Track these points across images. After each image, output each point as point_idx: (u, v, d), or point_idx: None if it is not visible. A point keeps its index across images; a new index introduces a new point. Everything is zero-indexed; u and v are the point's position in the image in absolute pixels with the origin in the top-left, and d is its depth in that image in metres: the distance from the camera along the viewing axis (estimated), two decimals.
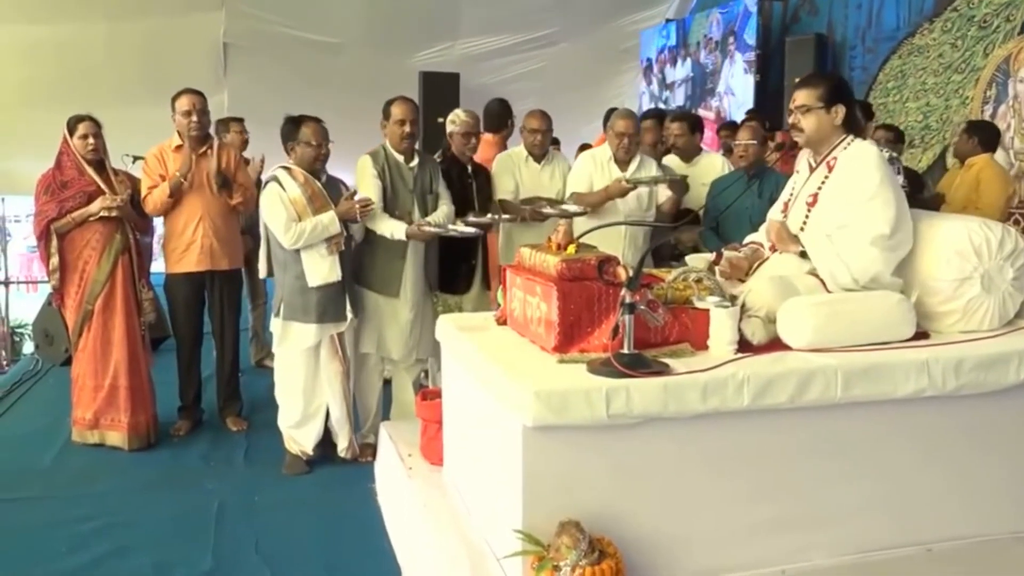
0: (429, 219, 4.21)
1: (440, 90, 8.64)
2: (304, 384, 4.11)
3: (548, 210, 4.52)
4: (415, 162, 4.33)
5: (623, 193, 4.44)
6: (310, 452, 4.21)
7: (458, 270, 4.61)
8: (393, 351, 4.40)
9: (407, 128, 4.24)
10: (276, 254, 4.08)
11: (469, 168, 4.70)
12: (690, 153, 5.30)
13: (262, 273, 4.27)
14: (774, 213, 3.19)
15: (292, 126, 4.05)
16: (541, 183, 4.80)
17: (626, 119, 4.60)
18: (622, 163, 4.62)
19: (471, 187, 4.64)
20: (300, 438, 4.20)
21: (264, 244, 4.15)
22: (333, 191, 4.15)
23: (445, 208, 4.36)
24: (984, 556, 2.67)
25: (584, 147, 8.08)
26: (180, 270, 4.61)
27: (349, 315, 4.09)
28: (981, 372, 2.60)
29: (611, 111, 5.63)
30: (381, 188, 4.23)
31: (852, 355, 2.55)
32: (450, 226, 4.17)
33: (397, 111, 4.25)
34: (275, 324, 4.12)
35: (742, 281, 3.01)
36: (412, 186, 4.30)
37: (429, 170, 4.39)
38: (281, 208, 3.93)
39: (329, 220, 3.96)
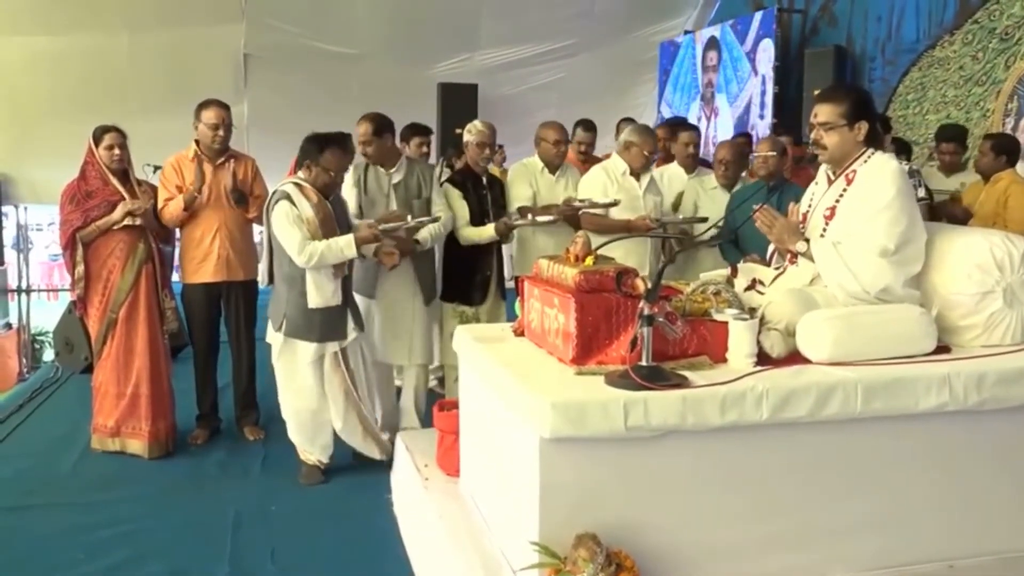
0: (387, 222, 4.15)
1: (458, 101, 8.69)
2: (308, 398, 4.08)
3: (578, 203, 4.60)
4: (395, 168, 4.45)
5: (647, 229, 4.51)
6: (326, 461, 4.21)
7: (473, 281, 4.64)
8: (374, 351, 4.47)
9: (360, 147, 4.42)
10: (283, 269, 3.99)
11: (484, 179, 4.74)
12: (693, 165, 5.33)
13: (263, 282, 4.24)
14: None
15: (315, 148, 3.92)
16: (556, 194, 4.85)
17: (651, 135, 4.80)
18: (638, 175, 4.72)
19: (486, 198, 4.68)
20: (313, 449, 4.20)
21: (266, 254, 4.08)
22: (339, 209, 4.10)
23: (441, 215, 4.42)
24: (1007, 573, 2.64)
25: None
26: (197, 281, 4.64)
27: (352, 333, 4.08)
28: (1003, 387, 2.58)
29: (622, 122, 5.80)
30: (358, 197, 4.39)
31: (872, 369, 2.54)
32: (409, 218, 4.18)
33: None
34: (274, 338, 4.06)
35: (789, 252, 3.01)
36: (387, 191, 4.40)
37: (417, 176, 4.48)
38: (294, 227, 3.83)
39: (346, 243, 3.88)
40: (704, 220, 4.75)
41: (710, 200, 4.96)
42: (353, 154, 4.33)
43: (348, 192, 4.36)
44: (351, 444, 4.20)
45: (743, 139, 6.99)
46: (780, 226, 2.96)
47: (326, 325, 4.00)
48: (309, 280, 3.94)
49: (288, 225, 3.84)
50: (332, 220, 3.97)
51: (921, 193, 4.33)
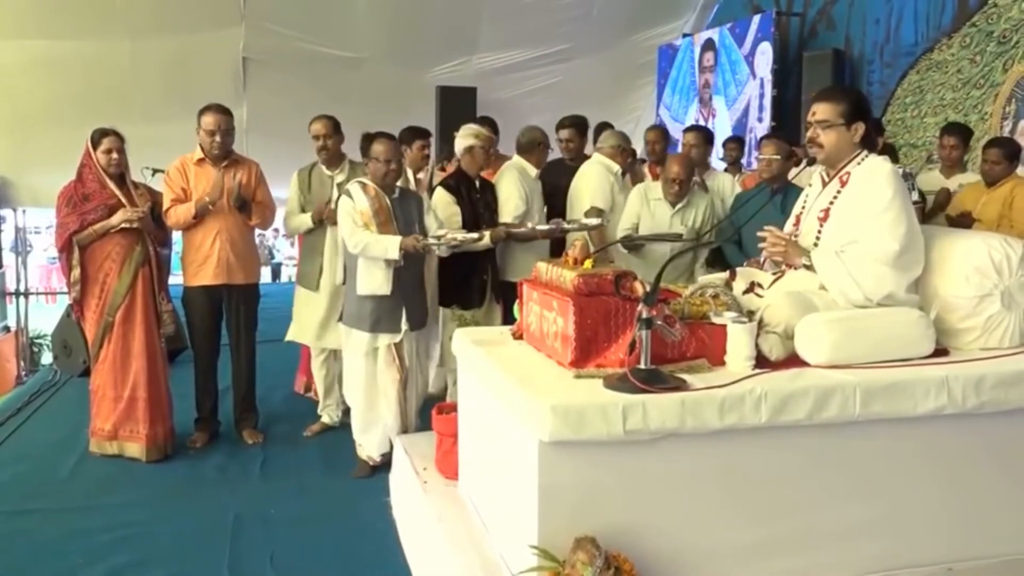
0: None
1: (457, 104, 8.69)
2: (365, 390, 4.21)
3: (566, 225, 4.58)
4: (337, 171, 4.86)
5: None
6: (376, 459, 4.28)
7: (471, 284, 4.65)
8: (306, 338, 4.98)
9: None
10: (348, 263, 4.23)
11: (477, 183, 4.72)
12: (700, 166, 5.33)
13: (337, 280, 4.47)
14: (787, 228, 3.18)
15: (366, 143, 4.19)
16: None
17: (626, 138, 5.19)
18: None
19: (479, 202, 4.67)
20: (366, 443, 4.29)
21: (342, 252, 4.33)
22: (407, 204, 4.23)
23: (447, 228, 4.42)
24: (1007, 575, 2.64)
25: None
26: (197, 283, 4.65)
27: (404, 326, 4.15)
28: (1002, 390, 2.58)
29: (602, 126, 5.97)
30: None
31: (871, 372, 2.54)
32: (447, 234, 4.17)
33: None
34: (340, 328, 4.29)
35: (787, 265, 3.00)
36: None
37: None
38: (349, 219, 4.07)
39: (391, 244, 4.00)
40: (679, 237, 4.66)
41: (649, 214, 4.84)
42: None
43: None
44: (394, 441, 4.21)
45: (734, 143, 6.97)
46: (791, 248, 2.95)
47: (376, 315, 4.11)
48: (360, 266, 4.10)
49: (344, 216, 4.10)
50: (388, 213, 4.12)
51: (915, 197, 4.32)
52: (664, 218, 4.80)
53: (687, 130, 5.65)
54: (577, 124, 5.46)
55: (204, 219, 4.56)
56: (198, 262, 4.62)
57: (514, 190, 4.75)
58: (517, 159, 4.96)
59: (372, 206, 4.09)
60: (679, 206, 4.82)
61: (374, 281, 4.08)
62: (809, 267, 2.89)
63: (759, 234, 3.01)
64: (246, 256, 4.71)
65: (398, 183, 4.27)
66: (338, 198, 4.32)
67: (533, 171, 4.89)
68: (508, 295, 4.35)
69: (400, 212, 4.16)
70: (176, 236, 4.91)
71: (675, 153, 5.57)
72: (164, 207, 4.57)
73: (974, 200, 5.15)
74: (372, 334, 4.13)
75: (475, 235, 4.25)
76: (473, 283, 4.66)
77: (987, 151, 5.20)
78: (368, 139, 4.20)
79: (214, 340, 4.81)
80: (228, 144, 4.62)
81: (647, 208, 4.85)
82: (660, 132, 6.31)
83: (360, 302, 4.12)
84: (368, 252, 4.04)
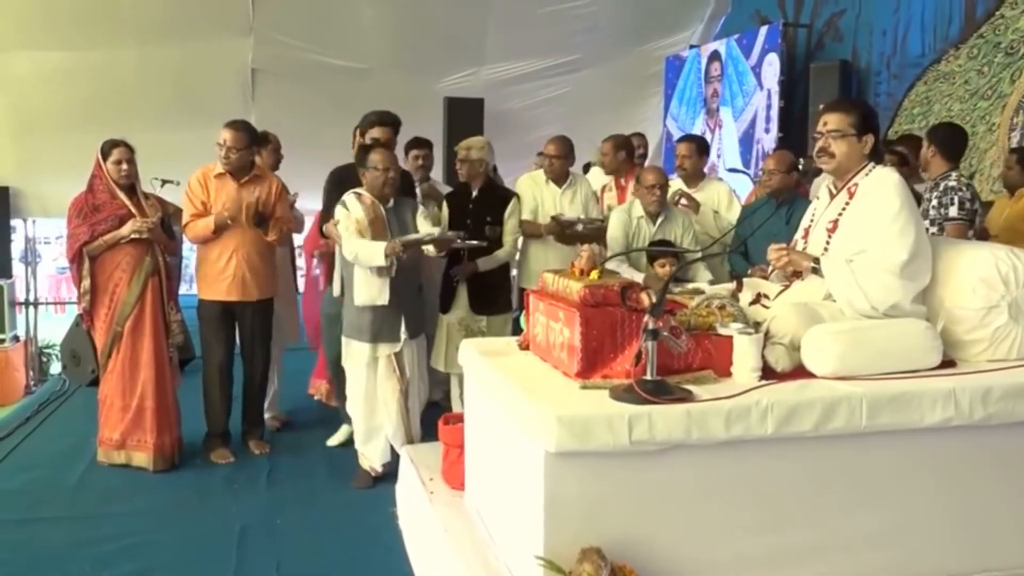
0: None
1: (465, 115, 8.71)
2: (365, 400, 4.22)
3: (569, 217, 4.77)
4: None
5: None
6: (378, 469, 4.31)
7: (500, 294, 4.78)
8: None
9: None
10: (345, 274, 4.24)
11: (475, 192, 4.79)
12: (695, 177, 5.32)
13: (335, 292, 4.44)
14: (797, 241, 3.18)
15: (363, 153, 4.21)
16: (561, 206, 4.95)
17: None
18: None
19: (470, 211, 4.73)
20: (368, 453, 4.32)
21: (339, 264, 4.33)
22: (403, 213, 4.26)
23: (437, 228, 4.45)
24: None
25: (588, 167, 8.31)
26: (211, 297, 4.67)
27: (403, 336, 4.17)
28: (1009, 401, 2.56)
29: (632, 136, 5.89)
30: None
31: (877, 383, 2.53)
32: (423, 232, 4.19)
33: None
34: (343, 340, 4.29)
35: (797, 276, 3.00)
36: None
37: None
38: (344, 226, 4.09)
39: (376, 251, 3.99)
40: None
41: (636, 232, 4.75)
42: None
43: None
44: (398, 451, 4.22)
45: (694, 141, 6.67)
46: (794, 255, 2.96)
47: (376, 326, 4.14)
48: (357, 277, 4.10)
49: (342, 224, 4.11)
50: (383, 223, 4.15)
51: (953, 212, 4.23)
52: (647, 235, 4.75)
53: (679, 140, 5.59)
54: (391, 123, 4.64)
55: (222, 235, 4.57)
56: (212, 276, 4.64)
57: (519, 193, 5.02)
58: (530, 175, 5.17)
59: (367, 216, 4.10)
60: (659, 222, 4.74)
61: (371, 291, 4.09)
62: (816, 270, 2.89)
63: (768, 257, 3.03)
64: (263, 273, 4.71)
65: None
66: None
67: (543, 177, 5.10)
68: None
69: (396, 221, 4.19)
70: (190, 247, 4.96)
71: (649, 165, 5.59)
72: (184, 221, 4.60)
73: (999, 211, 5.14)
74: (372, 344, 4.15)
75: (453, 234, 4.28)
76: (502, 292, 4.79)
77: (1007, 158, 5.23)
78: (365, 149, 4.21)
79: (226, 353, 4.81)
80: (240, 161, 4.59)
81: (633, 227, 4.76)
82: (693, 146, 5.71)
83: (359, 313, 4.13)
84: (359, 260, 4.05)
